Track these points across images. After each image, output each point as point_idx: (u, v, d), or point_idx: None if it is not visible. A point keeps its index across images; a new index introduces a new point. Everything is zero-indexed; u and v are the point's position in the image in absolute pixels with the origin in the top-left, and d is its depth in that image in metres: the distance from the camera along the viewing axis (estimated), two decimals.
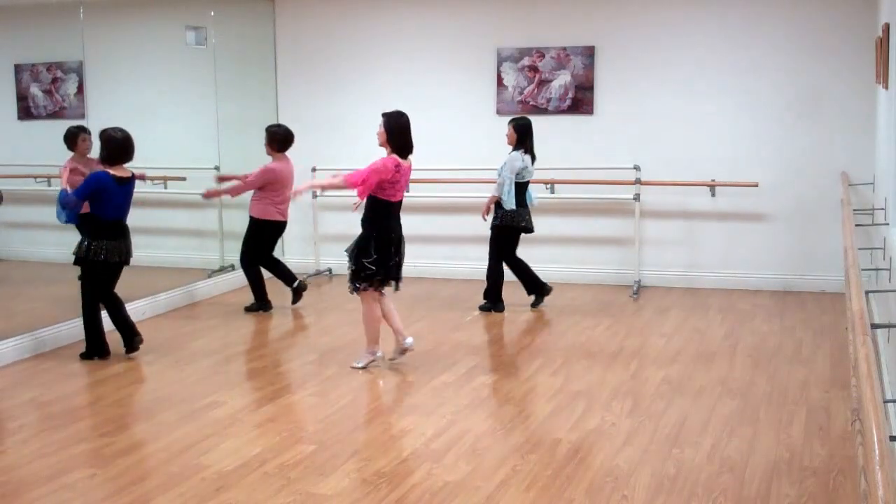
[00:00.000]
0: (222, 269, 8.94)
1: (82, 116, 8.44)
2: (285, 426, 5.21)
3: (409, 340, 6.21)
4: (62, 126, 8.61)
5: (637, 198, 8.46)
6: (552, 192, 8.66)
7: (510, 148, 7.53)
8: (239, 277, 8.96)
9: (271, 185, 7.62)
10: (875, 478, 2.02)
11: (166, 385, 5.98)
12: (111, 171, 6.24)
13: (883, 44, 6.15)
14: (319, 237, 9.46)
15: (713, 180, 8.39)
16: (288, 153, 7.78)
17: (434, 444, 4.80)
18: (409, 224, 8.93)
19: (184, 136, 9.29)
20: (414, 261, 9.15)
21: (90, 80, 8.54)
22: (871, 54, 7.53)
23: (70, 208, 6.28)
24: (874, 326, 4.43)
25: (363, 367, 6.11)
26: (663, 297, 8.25)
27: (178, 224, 9.58)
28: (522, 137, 7.43)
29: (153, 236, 9.55)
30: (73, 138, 7.60)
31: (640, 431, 4.98)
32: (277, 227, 7.79)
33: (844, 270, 4.98)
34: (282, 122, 9.61)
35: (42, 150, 8.14)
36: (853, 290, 3.75)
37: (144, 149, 9.24)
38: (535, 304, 7.83)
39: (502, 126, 8.87)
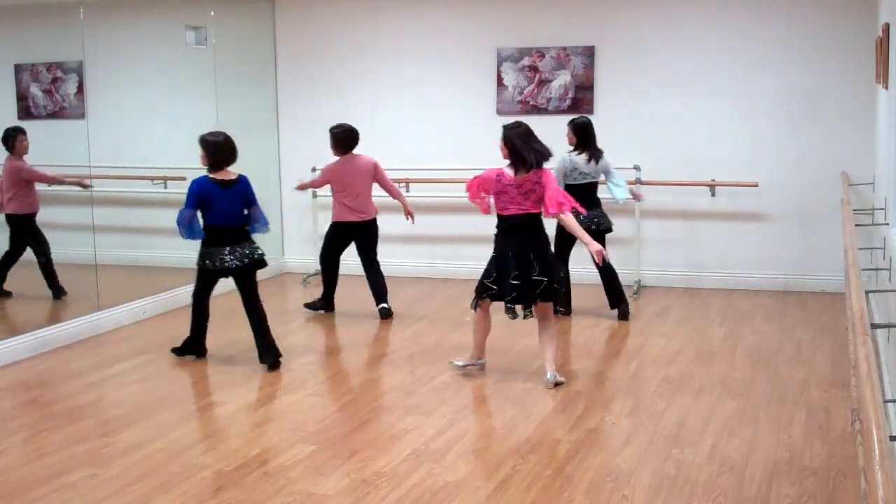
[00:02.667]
0: None
1: (82, 116, 8.44)
2: (285, 426, 5.21)
3: (550, 376, 5.69)
4: (62, 126, 8.64)
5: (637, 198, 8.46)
6: None
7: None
8: None
9: (336, 186, 7.47)
10: (875, 478, 2.02)
11: (166, 385, 5.98)
12: (212, 176, 6.11)
13: (883, 44, 6.15)
14: (319, 237, 9.44)
15: (713, 180, 8.39)
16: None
17: (434, 444, 4.80)
18: (410, 224, 8.97)
19: (184, 136, 9.27)
20: (414, 261, 9.20)
21: (90, 80, 8.54)
22: (871, 54, 7.53)
23: (186, 223, 6.06)
24: (874, 326, 4.42)
25: (460, 366, 6.04)
26: (663, 297, 8.25)
27: None
28: (580, 138, 7.21)
29: (153, 236, 9.55)
30: (12, 140, 7.66)
31: (640, 431, 4.98)
32: (348, 228, 7.52)
33: (844, 270, 4.98)
34: (282, 122, 9.63)
35: (42, 150, 8.12)
36: (853, 290, 3.75)
37: (144, 149, 9.30)
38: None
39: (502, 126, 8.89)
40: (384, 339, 7.06)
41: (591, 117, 8.63)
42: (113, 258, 8.26)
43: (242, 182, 6.22)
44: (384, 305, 7.57)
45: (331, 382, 5.99)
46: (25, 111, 8.91)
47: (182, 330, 7.37)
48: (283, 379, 6.06)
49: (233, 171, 6.21)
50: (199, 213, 6.11)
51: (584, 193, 7.09)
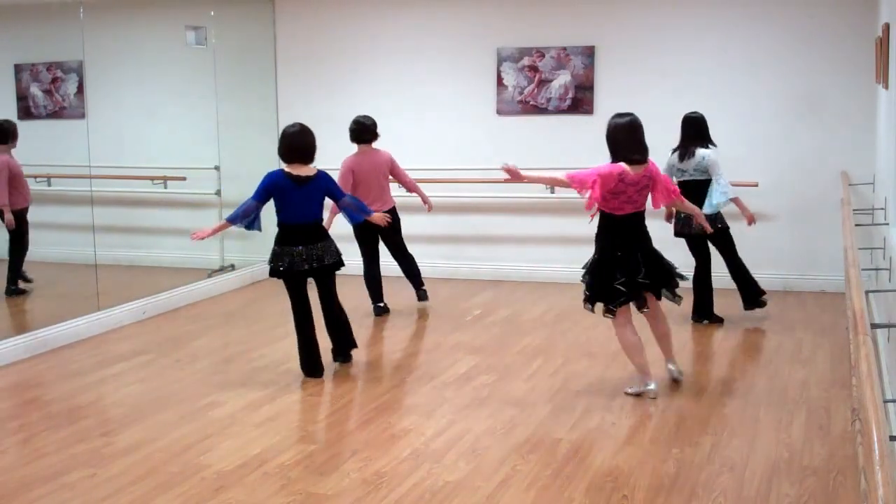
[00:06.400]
0: (222, 269, 8.94)
1: (82, 116, 8.44)
2: (285, 426, 5.21)
3: (672, 368, 5.67)
4: (62, 126, 8.65)
5: None
6: (552, 192, 8.66)
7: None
8: (239, 277, 8.98)
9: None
10: (875, 478, 2.02)
11: (166, 385, 5.98)
12: (287, 169, 5.84)
13: (883, 44, 6.15)
14: None
15: None
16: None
17: (434, 444, 4.80)
18: (410, 224, 8.96)
19: (184, 136, 9.30)
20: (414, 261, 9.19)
21: (90, 80, 8.55)
22: (871, 54, 7.53)
23: (245, 212, 5.78)
24: (874, 326, 4.43)
25: (634, 394, 5.50)
26: None
27: (178, 224, 9.57)
28: (682, 134, 7.00)
29: (153, 236, 9.56)
30: (15, 132, 7.69)
31: (640, 431, 4.98)
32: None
33: (844, 270, 4.98)
34: (281, 122, 9.63)
35: (42, 150, 8.15)
36: (853, 290, 3.75)
37: (144, 149, 9.31)
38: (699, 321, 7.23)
39: (502, 126, 8.90)
40: (384, 339, 7.05)
41: (590, 117, 8.68)
42: (113, 258, 8.27)
43: (317, 180, 5.90)
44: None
45: (331, 382, 5.99)
46: (25, 111, 8.91)
47: (183, 329, 7.38)
48: (283, 379, 6.05)
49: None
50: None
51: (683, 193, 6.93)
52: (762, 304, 7.31)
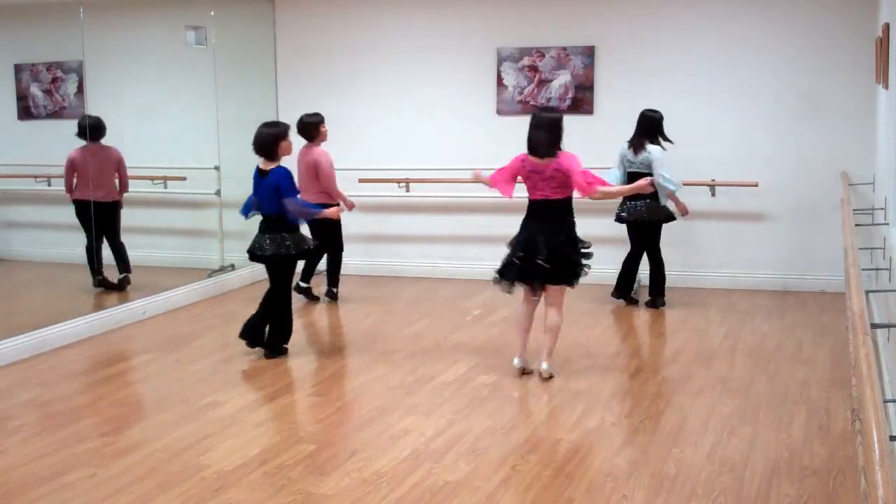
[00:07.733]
0: (222, 269, 8.94)
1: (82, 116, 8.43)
2: (285, 426, 5.21)
3: (544, 367, 5.91)
4: (62, 126, 8.64)
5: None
6: None
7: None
8: (239, 277, 8.98)
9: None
10: (875, 477, 2.03)
11: (166, 385, 5.98)
12: (258, 163, 6.39)
13: (883, 44, 6.15)
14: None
15: (713, 180, 8.38)
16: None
17: (434, 444, 4.80)
18: (410, 224, 8.98)
19: (184, 136, 9.29)
20: (414, 261, 9.20)
21: (90, 80, 8.54)
22: (871, 54, 7.53)
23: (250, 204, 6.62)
24: (874, 326, 4.43)
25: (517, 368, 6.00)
26: None
27: (178, 224, 9.58)
28: (636, 130, 7.61)
29: (153, 236, 9.55)
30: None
31: (640, 431, 4.98)
32: None
33: (844, 270, 4.98)
34: (282, 122, 9.63)
35: (42, 150, 8.15)
36: (853, 290, 3.75)
37: (145, 149, 9.31)
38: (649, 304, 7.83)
39: (502, 126, 8.90)
40: (384, 339, 7.05)
41: (590, 117, 8.69)
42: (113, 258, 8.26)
43: (272, 174, 6.33)
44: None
45: (331, 382, 5.99)
46: (25, 111, 8.91)
47: (183, 330, 7.39)
48: (283, 379, 6.05)
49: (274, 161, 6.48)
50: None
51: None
52: (657, 305, 7.74)
